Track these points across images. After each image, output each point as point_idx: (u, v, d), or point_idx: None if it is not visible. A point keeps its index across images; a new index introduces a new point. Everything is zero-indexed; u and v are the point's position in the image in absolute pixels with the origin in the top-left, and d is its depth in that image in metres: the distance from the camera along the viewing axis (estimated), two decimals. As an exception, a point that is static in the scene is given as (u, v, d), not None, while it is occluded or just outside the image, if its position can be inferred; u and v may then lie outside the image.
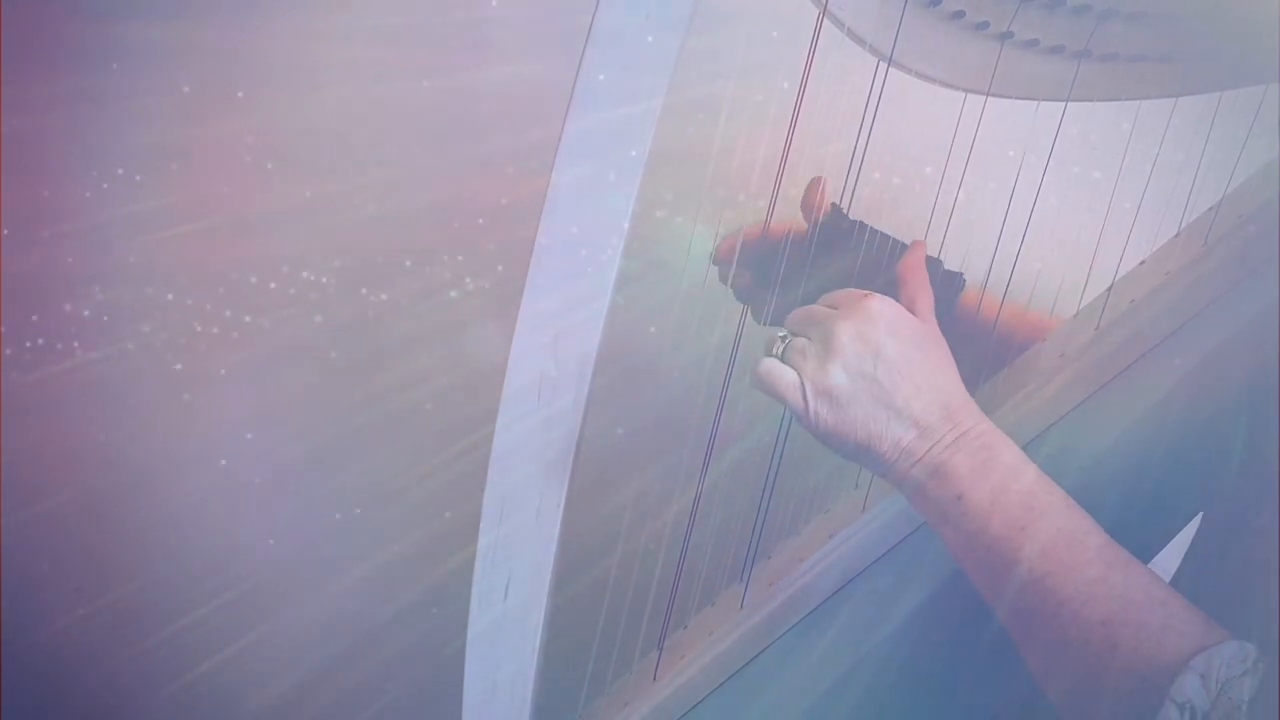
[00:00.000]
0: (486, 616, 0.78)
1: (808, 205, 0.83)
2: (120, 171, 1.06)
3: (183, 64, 1.05)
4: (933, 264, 0.88)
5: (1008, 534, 0.67)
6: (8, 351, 1.08)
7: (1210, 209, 0.84)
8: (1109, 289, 0.85)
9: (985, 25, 0.74)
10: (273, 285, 1.09)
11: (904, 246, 0.85)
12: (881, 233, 0.85)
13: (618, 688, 0.87)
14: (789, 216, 0.85)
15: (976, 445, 0.69)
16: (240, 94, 1.06)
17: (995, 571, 0.68)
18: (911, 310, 0.75)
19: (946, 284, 0.88)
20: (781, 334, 0.73)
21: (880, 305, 0.71)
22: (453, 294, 1.10)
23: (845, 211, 0.83)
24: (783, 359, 0.73)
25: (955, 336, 0.88)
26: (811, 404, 0.71)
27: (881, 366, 0.70)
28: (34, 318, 1.08)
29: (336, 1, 1.06)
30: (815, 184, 0.84)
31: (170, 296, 1.09)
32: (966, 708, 0.82)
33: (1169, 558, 0.80)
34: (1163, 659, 0.62)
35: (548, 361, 0.75)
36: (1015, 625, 0.68)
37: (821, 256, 0.87)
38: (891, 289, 0.78)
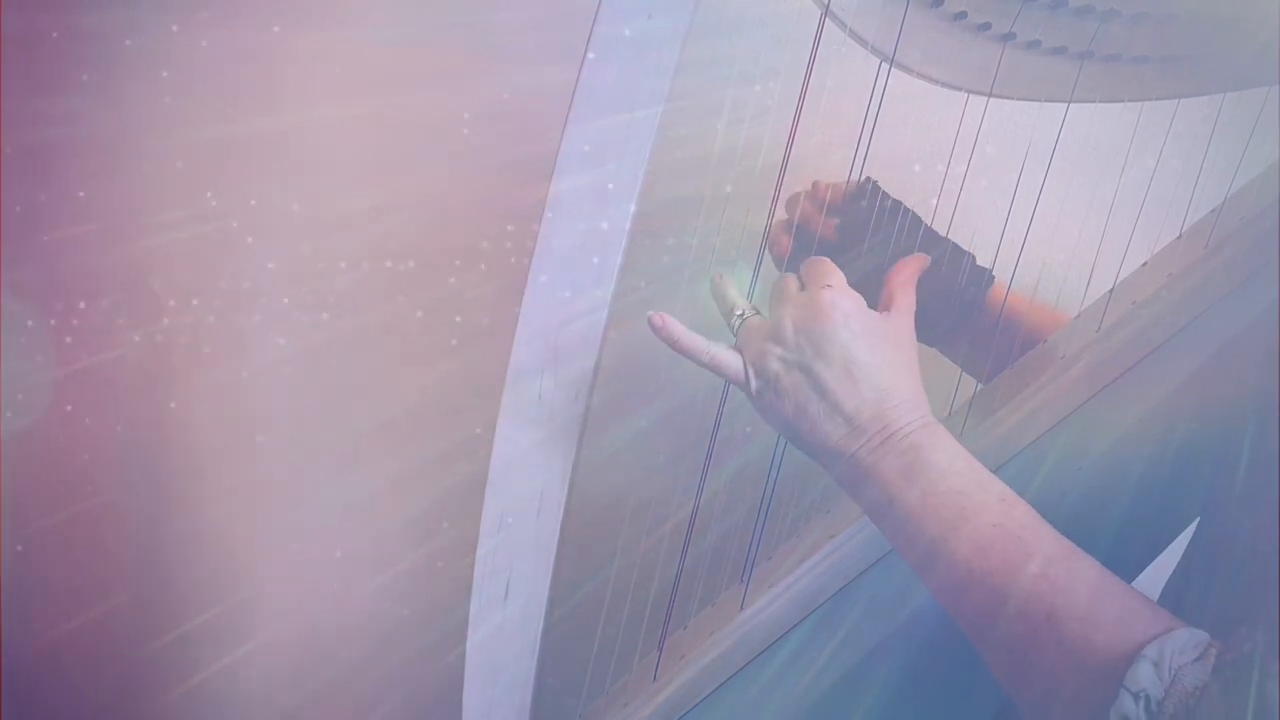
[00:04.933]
0: (487, 622, 0.78)
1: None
2: (126, 175, 1.06)
3: (190, 69, 1.04)
4: (963, 257, 0.88)
5: (941, 534, 0.67)
6: (9, 354, 1.07)
7: (1212, 211, 0.84)
8: (1111, 290, 0.85)
9: (987, 26, 0.73)
10: (272, 291, 1.08)
11: (924, 227, 0.86)
12: (914, 213, 0.87)
13: (618, 688, 0.87)
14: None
15: (904, 446, 0.69)
16: (246, 100, 1.05)
17: (935, 572, 0.68)
18: (887, 307, 0.75)
19: (975, 279, 0.88)
20: (739, 311, 0.75)
21: (833, 298, 0.71)
22: (453, 301, 1.10)
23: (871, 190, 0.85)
24: (735, 334, 0.74)
25: (981, 331, 0.88)
26: (753, 384, 0.72)
27: (819, 361, 0.70)
28: (36, 320, 1.08)
29: (341, 9, 1.05)
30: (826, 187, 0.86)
31: (171, 302, 1.09)
32: (970, 708, 0.82)
33: (1168, 560, 0.80)
34: (1114, 650, 0.61)
35: (549, 365, 0.75)
36: (964, 625, 0.68)
37: (858, 230, 0.87)
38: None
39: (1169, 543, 0.82)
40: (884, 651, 0.80)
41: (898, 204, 0.87)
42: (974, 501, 0.67)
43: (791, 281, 0.74)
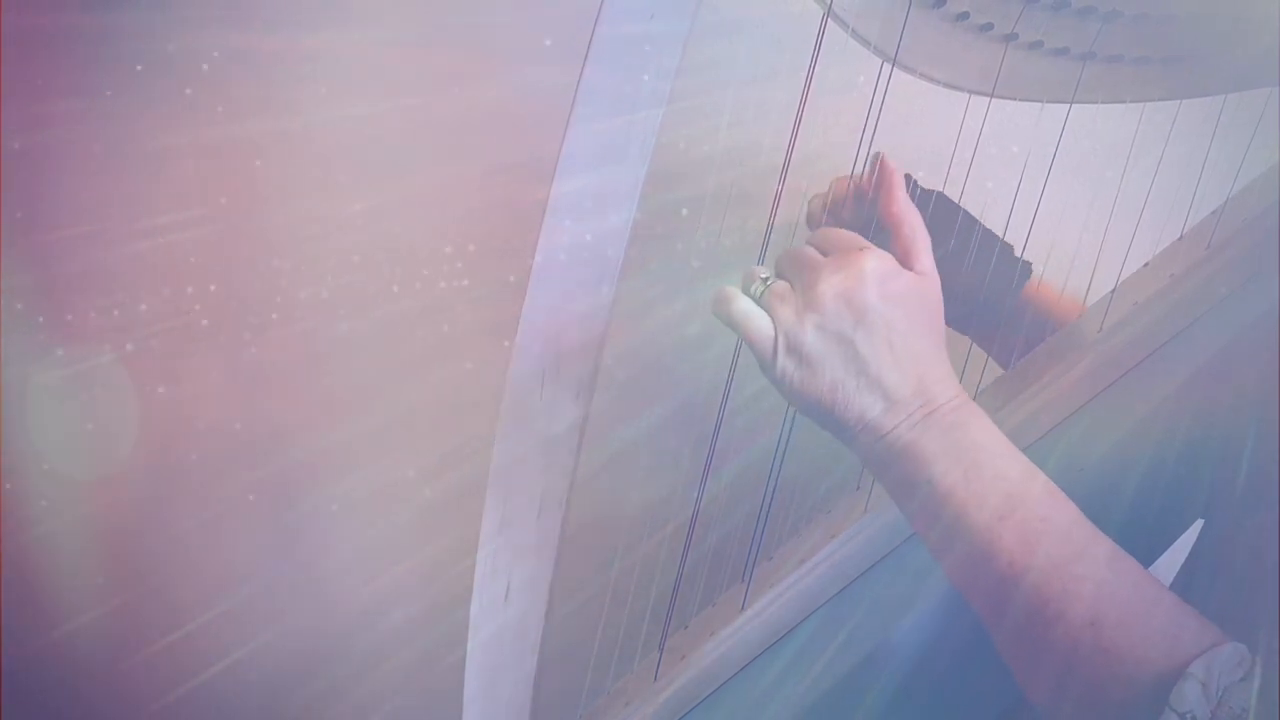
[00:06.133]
0: (488, 624, 0.78)
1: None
2: (126, 175, 1.06)
3: (194, 70, 1.04)
4: (1004, 249, 0.87)
5: (985, 523, 0.63)
6: (11, 354, 1.08)
7: (1214, 212, 0.84)
8: (1112, 291, 0.85)
9: (990, 27, 0.73)
10: (272, 293, 1.08)
11: (963, 214, 0.84)
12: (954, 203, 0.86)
13: (618, 688, 0.87)
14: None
15: (948, 423, 0.65)
16: (249, 101, 1.05)
17: (971, 564, 0.63)
18: (907, 260, 0.69)
19: (1014, 269, 0.88)
20: (764, 274, 0.69)
21: (875, 263, 0.66)
22: (454, 302, 1.10)
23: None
24: (759, 301, 0.68)
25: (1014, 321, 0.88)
26: (780, 357, 0.66)
27: (861, 330, 0.65)
28: (39, 321, 1.08)
29: (343, 11, 1.05)
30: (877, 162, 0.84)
31: (172, 298, 1.09)
32: (973, 710, 0.82)
33: (1169, 562, 0.80)
34: (1159, 664, 0.58)
35: (550, 366, 0.75)
36: (995, 624, 0.64)
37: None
38: (952, 260, 0.76)
39: (1170, 543, 0.82)
40: (886, 652, 0.80)
41: (939, 194, 0.86)
42: (1021, 490, 0.63)
43: (808, 250, 0.69)
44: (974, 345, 0.89)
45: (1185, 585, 0.77)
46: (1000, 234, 0.86)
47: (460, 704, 0.81)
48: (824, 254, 0.69)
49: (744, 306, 0.68)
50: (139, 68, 1.02)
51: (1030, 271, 0.89)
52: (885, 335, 0.65)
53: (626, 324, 0.74)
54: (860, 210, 0.78)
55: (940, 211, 0.85)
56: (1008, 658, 0.64)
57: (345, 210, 1.07)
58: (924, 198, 0.86)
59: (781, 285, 0.68)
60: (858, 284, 0.66)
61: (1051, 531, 0.62)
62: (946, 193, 0.86)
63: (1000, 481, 0.63)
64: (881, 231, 0.80)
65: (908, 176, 0.85)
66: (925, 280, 0.69)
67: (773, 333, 0.67)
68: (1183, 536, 0.80)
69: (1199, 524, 0.79)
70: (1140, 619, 0.60)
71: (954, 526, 0.64)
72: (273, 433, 1.13)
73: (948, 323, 0.83)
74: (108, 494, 1.12)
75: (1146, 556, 0.81)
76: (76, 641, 1.13)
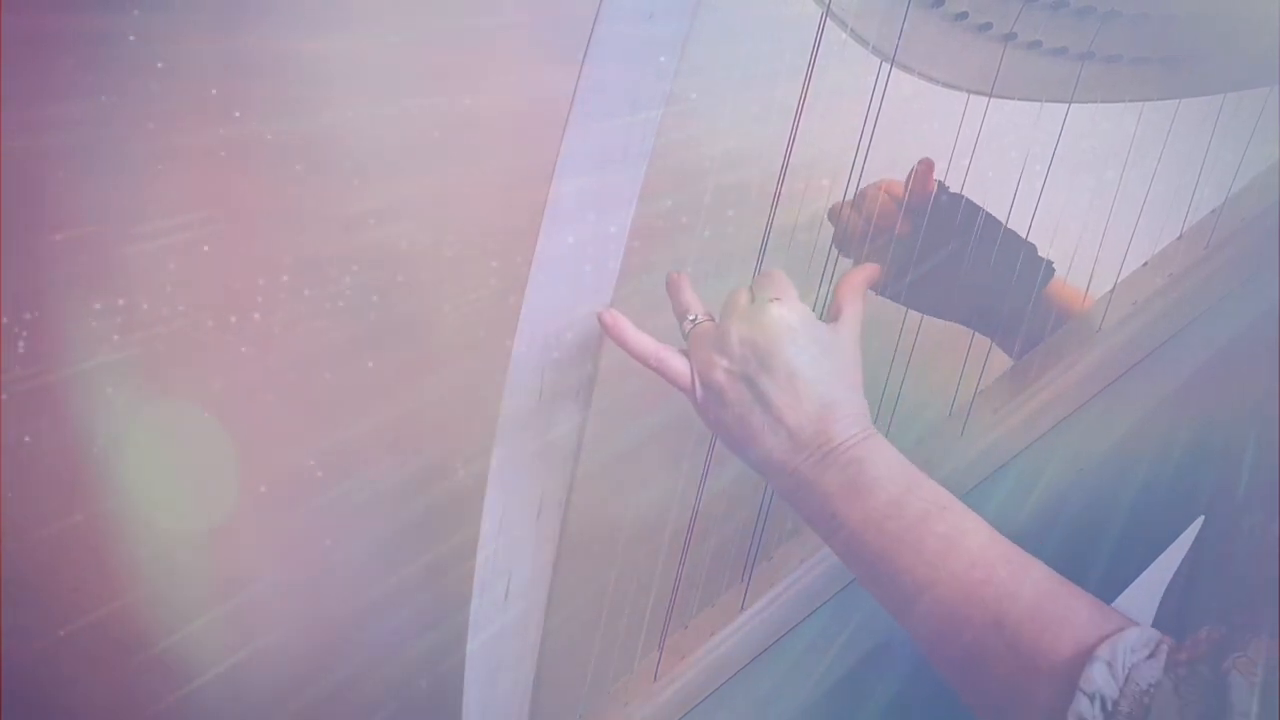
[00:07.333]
0: (487, 625, 0.78)
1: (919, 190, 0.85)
2: (127, 176, 1.06)
3: (195, 71, 1.04)
4: (1026, 247, 0.87)
5: (884, 548, 0.67)
6: (10, 355, 1.07)
7: (1213, 211, 0.84)
8: (1111, 291, 0.85)
9: (988, 27, 0.73)
10: (273, 294, 1.08)
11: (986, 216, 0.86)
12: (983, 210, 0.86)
13: (618, 688, 0.87)
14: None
15: (846, 460, 0.69)
16: (249, 102, 1.05)
17: (883, 586, 0.68)
18: (835, 317, 0.74)
19: (1036, 269, 0.88)
20: (691, 315, 0.74)
21: (781, 312, 0.71)
22: (453, 303, 1.10)
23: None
24: (686, 339, 0.74)
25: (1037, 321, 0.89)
26: (697, 393, 0.72)
27: (763, 374, 0.70)
28: (40, 321, 1.08)
29: (344, 12, 1.05)
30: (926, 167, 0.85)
31: (176, 298, 1.08)
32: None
33: (1169, 560, 0.80)
34: (1066, 652, 0.61)
35: (549, 366, 0.75)
36: (919, 639, 0.68)
37: (929, 230, 0.87)
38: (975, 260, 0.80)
39: (1170, 543, 0.82)
40: (885, 652, 0.81)
41: (959, 196, 0.86)
42: (915, 512, 0.67)
43: (743, 294, 0.74)
44: (972, 347, 0.90)
45: (1185, 583, 0.77)
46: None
47: (460, 704, 0.81)
48: (752, 295, 0.74)
49: (659, 353, 0.73)
50: (143, 70, 1.02)
51: (1054, 271, 0.89)
52: (787, 379, 0.70)
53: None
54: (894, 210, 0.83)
55: (964, 213, 0.85)
56: (936, 665, 0.68)
57: (347, 212, 1.07)
58: (950, 200, 0.86)
59: (704, 327, 0.74)
60: (762, 332, 0.70)
61: (947, 546, 0.66)
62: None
63: (894, 508, 0.68)
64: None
65: (939, 182, 0.86)
66: (839, 332, 0.73)
67: (689, 373, 0.72)
68: (1182, 535, 0.80)
69: (1199, 522, 0.79)
70: (1042, 613, 0.63)
71: (860, 554, 0.69)
72: (274, 435, 1.13)
73: (970, 323, 0.84)
74: (107, 495, 1.12)
75: (1147, 554, 0.81)
76: (76, 642, 1.13)
